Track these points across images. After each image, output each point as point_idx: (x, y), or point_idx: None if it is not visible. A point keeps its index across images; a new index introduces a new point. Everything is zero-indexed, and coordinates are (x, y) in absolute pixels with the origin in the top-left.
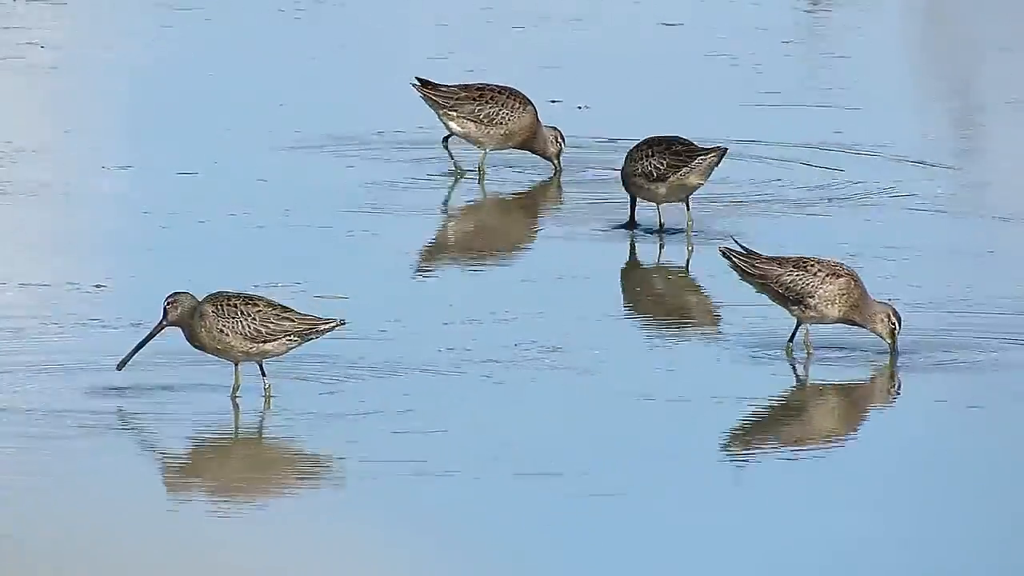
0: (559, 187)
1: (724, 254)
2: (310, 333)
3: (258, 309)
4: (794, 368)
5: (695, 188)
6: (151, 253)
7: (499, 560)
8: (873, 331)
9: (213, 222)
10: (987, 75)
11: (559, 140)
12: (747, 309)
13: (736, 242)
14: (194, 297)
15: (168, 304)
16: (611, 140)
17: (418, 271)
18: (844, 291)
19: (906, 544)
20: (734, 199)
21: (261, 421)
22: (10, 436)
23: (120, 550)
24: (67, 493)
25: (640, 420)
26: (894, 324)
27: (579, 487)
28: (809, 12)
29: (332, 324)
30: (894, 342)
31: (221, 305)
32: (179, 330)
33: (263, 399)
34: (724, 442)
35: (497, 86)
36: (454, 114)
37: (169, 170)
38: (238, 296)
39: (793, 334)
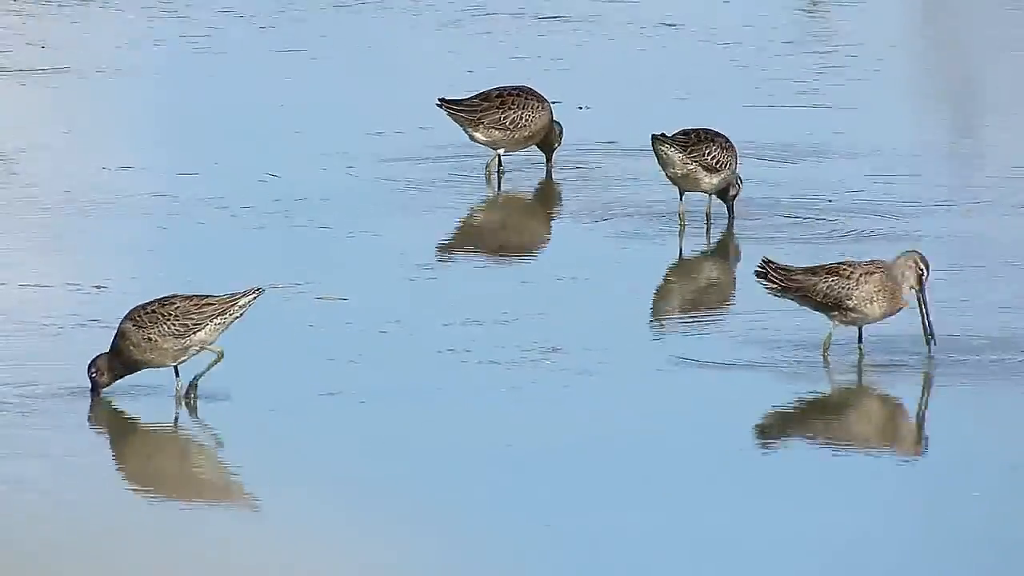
0: (557, 188)
1: (760, 272)
2: (232, 308)
3: (176, 306)
4: (797, 368)
5: (684, 180)
6: (151, 254)
7: (500, 559)
8: (907, 285)
9: (213, 222)
10: (987, 75)
11: (560, 136)
12: (750, 309)
13: (766, 260)
14: (104, 353)
15: (93, 374)
16: (611, 141)
17: (418, 272)
18: (879, 287)
19: (914, 545)
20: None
21: (262, 419)
22: None
23: (62, 545)
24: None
25: (640, 420)
26: (922, 270)
27: (581, 488)
28: (808, 12)
29: (253, 295)
30: (921, 289)
31: (139, 317)
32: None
33: (173, 398)
34: (726, 442)
35: (512, 88)
36: (481, 125)
37: (169, 170)
38: (152, 303)
39: (860, 335)
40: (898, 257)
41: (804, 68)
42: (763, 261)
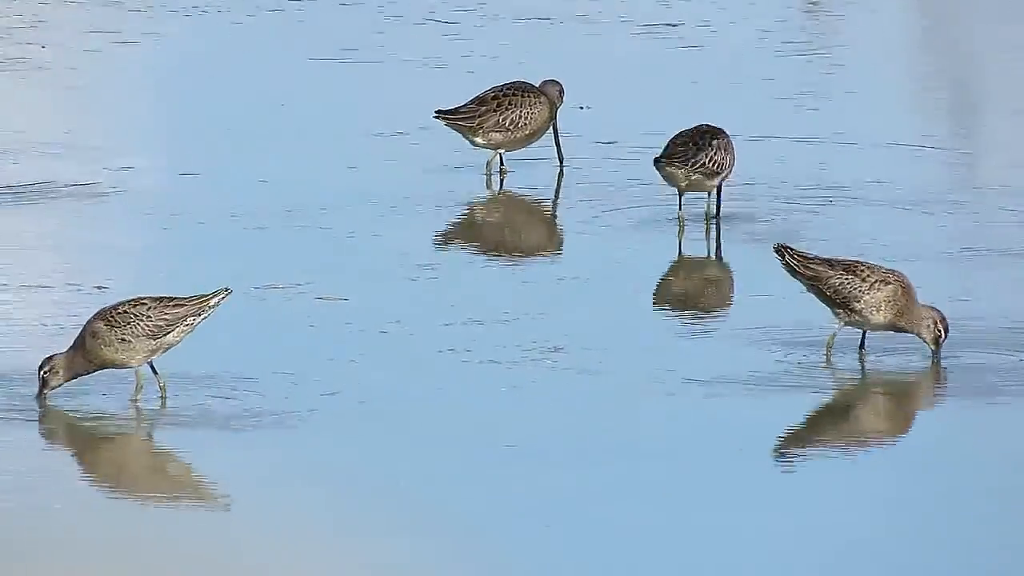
0: (558, 188)
1: (778, 251)
2: (203, 310)
3: (148, 307)
4: (799, 368)
5: (689, 187)
6: (151, 254)
7: (500, 559)
8: (918, 336)
9: (214, 223)
10: (987, 75)
11: (561, 96)
12: (751, 308)
13: (785, 247)
14: (61, 353)
15: (46, 373)
16: (611, 141)
17: (419, 272)
18: (891, 298)
19: (914, 546)
20: (735, 198)
21: (262, 419)
22: None
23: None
24: None
25: (640, 420)
26: (939, 332)
27: (581, 488)
28: (808, 12)
29: (221, 295)
30: (937, 349)
31: (111, 317)
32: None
33: (159, 398)
34: (727, 442)
35: (506, 87)
36: (480, 131)
37: (170, 170)
38: (123, 303)
39: (862, 340)
40: (923, 305)
41: (803, 67)
42: (780, 245)
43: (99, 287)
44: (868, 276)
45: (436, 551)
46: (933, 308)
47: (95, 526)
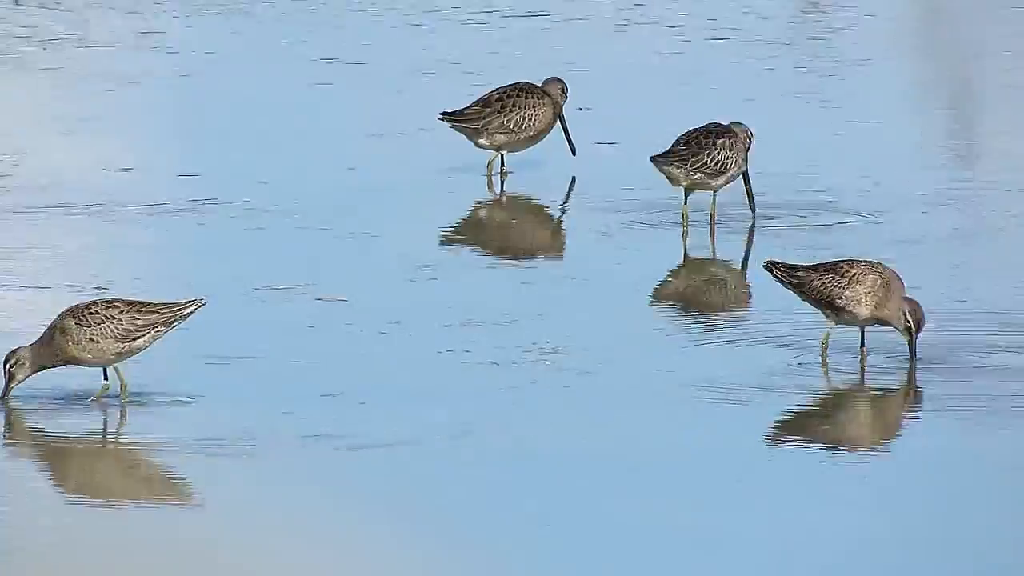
0: (558, 188)
1: (767, 268)
2: (175, 320)
3: (120, 310)
4: (797, 369)
5: (693, 186)
6: (152, 254)
7: (500, 559)
8: (895, 328)
9: (214, 223)
10: (987, 76)
11: (565, 93)
12: (751, 309)
13: (774, 263)
14: (26, 345)
15: (12, 367)
16: (612, 141)
17: (418, 272)
18: (871, 290)
19: (914, 546)
20: (734, 197)
21: (262, 420)
22: None
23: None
24: None
25: (640, 421)
26: (909, 322)
27: (581, 487)
28: (808, 13)
29: (194, 306)
30: (910, 340)
31: (82, 316)
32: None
33: (119, 396)
34: (727, 442)
35: (510, 88)
36: (485, 132)
37: (170, 171)
38: (95, 303)
39: (862, 339)
40: (904, 297)
41: (804, 68)
42: (768, 262)
43: (99, 287)
44: (847, 271)
45: (435, 551)
46: (909, 299)
47: (88, 535)
